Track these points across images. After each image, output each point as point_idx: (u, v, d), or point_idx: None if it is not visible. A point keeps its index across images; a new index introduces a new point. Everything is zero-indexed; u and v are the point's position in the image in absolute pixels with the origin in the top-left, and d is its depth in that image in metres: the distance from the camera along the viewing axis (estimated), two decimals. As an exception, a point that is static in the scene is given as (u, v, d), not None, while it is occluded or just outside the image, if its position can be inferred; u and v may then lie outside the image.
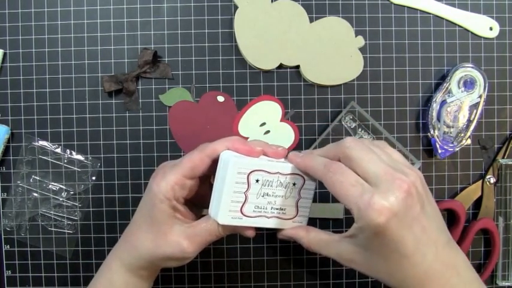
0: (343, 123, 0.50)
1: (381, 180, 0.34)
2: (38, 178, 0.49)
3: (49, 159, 0.49)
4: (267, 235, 0.50)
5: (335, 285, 0.51)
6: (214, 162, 0.39)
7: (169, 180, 0.38)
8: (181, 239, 0.38)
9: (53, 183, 0.49)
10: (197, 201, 0.42)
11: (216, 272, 0.50)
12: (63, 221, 0.49)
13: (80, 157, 0.49)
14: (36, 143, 0.49)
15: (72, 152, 0.49)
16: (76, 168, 0.49)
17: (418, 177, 0.35)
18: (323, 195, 0.50)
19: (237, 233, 0.40)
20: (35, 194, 0.49)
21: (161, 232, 0.39)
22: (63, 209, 0.49)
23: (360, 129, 0.50)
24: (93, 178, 0.49)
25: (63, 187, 0.49)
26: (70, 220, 0.50)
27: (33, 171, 0.49)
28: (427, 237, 0.35)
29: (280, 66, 0.49)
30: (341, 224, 0.50)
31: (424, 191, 0.36)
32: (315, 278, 0.51)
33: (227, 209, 0.37)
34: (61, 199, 0.49)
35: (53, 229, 0.49)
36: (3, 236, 0.50)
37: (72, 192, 0.50)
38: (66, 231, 0.50)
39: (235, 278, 0.50)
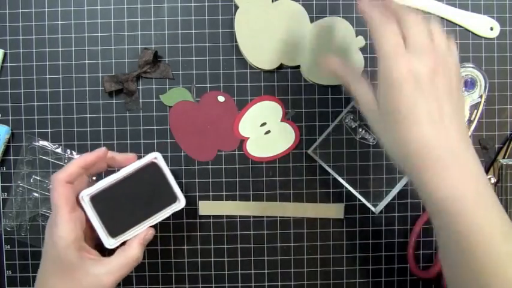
0: (343, 123, 0.50)
1: (418, 47, 0.36)
2: (38, 178, 0.49)
3: (49, 159, 0.49)
4: (267, 235, 0.50)
5: (335, 285, 0.51)
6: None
7: (62, 223, 0.39)
8: (99, 279, 0.40)
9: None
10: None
11: (217, 272, 0.50)
12: None
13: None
14: (37, 143, 0.49)
15: (73, 152, 0.49)
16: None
17: (454, 66, 0.37)
18: (323, 194, 0.50)
19: (147, 241, 0.44)
20: (36, 194, 0.49)
21: (76, 278, 0.39)
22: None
23: (360, 129, 0.50)
24: (94, 178, 0.49)
25: None
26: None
27: (34, 171, 0.49)
28: (440, 118, 0.35)
29: (281, 66, 0.49)
30: (341, 224, 0.50)
31: (455, 81, 0.37)
32: (316, 278, 0.51)
33: (107, 235, 0.43)
34: None
35: None
36: (3, 236, 0.50)
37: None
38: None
39: (236, 278, 0.50)
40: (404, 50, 0.36)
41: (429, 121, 0.35)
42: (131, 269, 0.41)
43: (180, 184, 0.48)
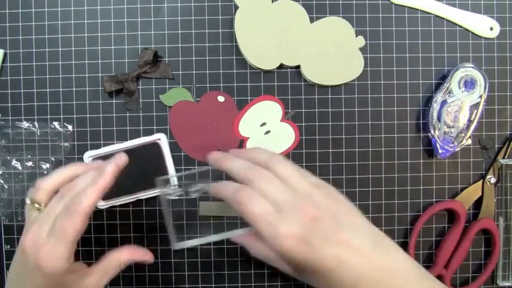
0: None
1: (284, 208, 0.35)
2: (17, 163, 0.49)
3: (49, 143, 0.49)
4: (268, 235, 0.50)
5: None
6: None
7: (63, 256, 0.36)
8: None
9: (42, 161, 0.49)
10: None
11: (217, 272, 0.50)
12: None
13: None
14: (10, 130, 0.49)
15: (35, 123, 0.49)
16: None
17: (326, 195, 0.37)
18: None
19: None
20: (20, 176, 0.49)
21: None
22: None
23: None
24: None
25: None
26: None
27: (16, 155, 0.49)
28: (347, 248, 0.35)
29: (281, 66, 0.49)
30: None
31: (336, 205, 0.37)
32: (316, 278, 0.51)
33: None
34: None
35: None
36: (3, 236, 0.50)
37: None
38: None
39: (236, 278, 0.50)
40: (274, 216, 0.35)
41: (342, 262, 0.35)
42: (114, 274, 0.41)
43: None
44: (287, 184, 0.37)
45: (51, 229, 0.36)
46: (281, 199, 0.36)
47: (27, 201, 0.39)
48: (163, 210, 0.44)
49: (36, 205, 0.39)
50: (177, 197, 0.48)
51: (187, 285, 0.50)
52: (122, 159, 0.40)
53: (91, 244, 0.50)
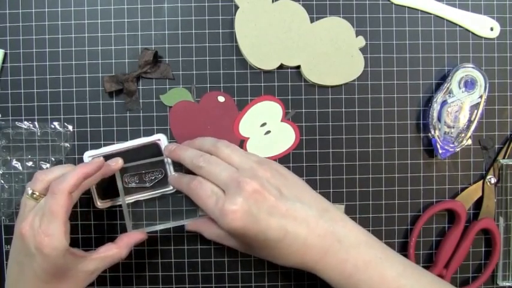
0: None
1: (229, 186, 0.39)
2: (17, 163, 0.49)
3: (49, 144, 0.49)
4: (268, 235, 0.50)
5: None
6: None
7: (58, 234, 0.38)
8: (89, 274, 0.41)
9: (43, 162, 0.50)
10: None
11: (217, 272, 0.50)
12: None
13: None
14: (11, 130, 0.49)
15: (35, 123, 0.49)
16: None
17: (270, 170, 0.40)
18: (323, 194, 0.50)
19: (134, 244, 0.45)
20: (20, 176, 0.49)
21: (70, 277, 0.40)
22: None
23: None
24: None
25: None
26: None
27: (17, 155, 0.49)
28: (292, 219, 0.38)
29: (281, 66, 0.49)
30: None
31: (279, 179, 0.40)
32: (315, 278, 0.50)
33: (96, 197, 0.47)
34: None
35: None
36: (3, 236, 0.50)
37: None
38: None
39: (236, 278, 0.50)
40: (220, 196, 0.39)
41: (288, 233, 0.38)
42: (114, 262, 0.43)
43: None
44: (232, 164, 0.41)
45: (43, 213, 0.39)
46: (226, 178, 0.39)
47: (29, 191, 0.41)
48: (121, 201, 0.46)
49: (34, 195, 0.41)
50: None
51: (187, 285, 0.50)
52: (118, 164, 0.45)
53: (91, 244, 0.50)
